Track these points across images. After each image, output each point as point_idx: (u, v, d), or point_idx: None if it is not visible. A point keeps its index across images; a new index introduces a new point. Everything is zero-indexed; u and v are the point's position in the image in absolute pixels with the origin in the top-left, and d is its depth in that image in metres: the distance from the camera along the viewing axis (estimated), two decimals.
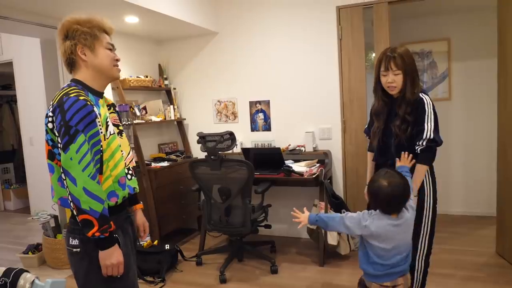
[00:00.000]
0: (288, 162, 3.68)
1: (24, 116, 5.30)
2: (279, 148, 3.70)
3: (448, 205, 4.64)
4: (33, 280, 1.40)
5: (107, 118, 1.61)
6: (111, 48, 1.65)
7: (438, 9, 4.30)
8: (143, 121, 3.95)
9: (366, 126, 2.56)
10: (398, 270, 1.85)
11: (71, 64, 1.61)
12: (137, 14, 3.33)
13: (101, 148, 1.53)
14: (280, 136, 4.14)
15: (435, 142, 2.15)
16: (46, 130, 1.53)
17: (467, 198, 4.58)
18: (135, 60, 4.24)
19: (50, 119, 1.50)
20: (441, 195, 4.63)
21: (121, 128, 1.74)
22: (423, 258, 2.31)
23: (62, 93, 1.50)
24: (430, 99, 2.20)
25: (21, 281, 1.41)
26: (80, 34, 1.56)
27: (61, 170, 1.47)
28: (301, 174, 3.41)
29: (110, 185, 1.58)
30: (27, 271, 1.46)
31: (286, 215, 4.11)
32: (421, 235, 2.27)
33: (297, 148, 3.94)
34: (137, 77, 4.04)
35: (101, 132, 1.53)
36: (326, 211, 3.38)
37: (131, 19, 3.49)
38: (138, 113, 3.99)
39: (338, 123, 3.86)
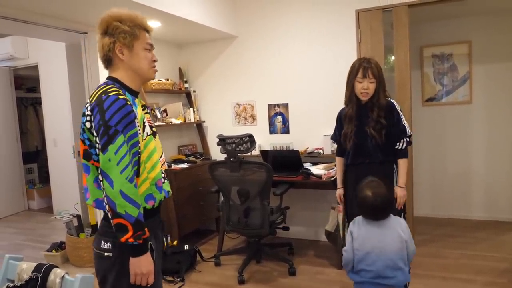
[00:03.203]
0: (306, 165, 3.70)
1: (49, 118, 5.46)
2: (297, 151, 3.72)
3: (469, 210, 4.58)
4: (63, 276, 1.45)
5: (143, 118, 1.55)
6: (150, 49, 1.59)
7: (458, 11, 4.26)
8: (164, 123, 4.03)
9: (333, 133, 2.82)
10: (384, 283, 1.85)
11: (108, 61, 1.54)
12: (160, 19, 3.41)
13: (139, 150, 1.47)
14: (298, 139, 4.16)
15: (411, 136, 2.57)
16: (83, 129, 1.47)
17: (488, 203, 4.50)
18: (157, 63, 4.32)
19: (88, 118, 1.45)
20: (462, 200, 4.60)
21: (154, 129, 1.66)
22: None
23: (101, 91, 1.44)
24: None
25: (51, 276, 1.46)
26: (120, 33, 1.49)
27: (98, 171, 1.43)
28: (319, 176, 3.43)
29: (148, 187, 1.52)
30: (56, 266, 1.51)
31: (304, 217, 4.12)
32: None
33: (315, 151, 3.96)
34: (158, 80, 4.12)
35: (139, 133, 1.47)
36: (344, 214, 3.38)
37: (154, 24, 3.57)
38: (159, 116, 4.07)
39: None
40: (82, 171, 1.54)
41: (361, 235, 1.91)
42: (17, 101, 6.13)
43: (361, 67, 2.49)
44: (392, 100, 2.57)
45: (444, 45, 4.55)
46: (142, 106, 1.62)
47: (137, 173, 1.47)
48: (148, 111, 1.67)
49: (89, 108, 1.45)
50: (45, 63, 5.28)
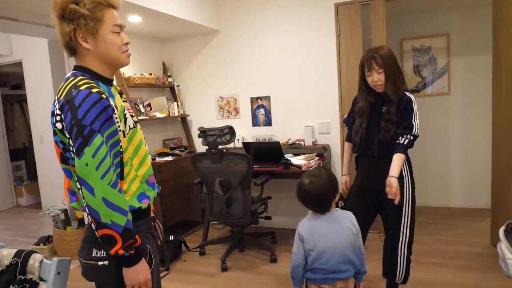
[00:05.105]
0: (288, 156, 3.78)
1: (34, 114, 5.47)
2: (278, 142, 3.81)
3: (447, 199, 4.71)
4: (42, 260, 1.52)
5: (124, 109, 1.36)
6: (119, 31, 1.37)
7: (437, 5, 4.36)
8: (148, 117, 4.09)
9: (346, 116, 2.64)
10: (339, 277, 1.85)
11: (72, 50, 1.34)
12: (140, 13, 3.46)
13: (121, 150, 1.30)
14: (280, 131, 4.25)
15: (417, 137, 2.30)
16: (54, 131, 1.29)
17: (466, 192, 4.64)
18: (139, 58, 4.37)
19: (58, 117, 1.26)
20: (441, 189, 4.75)
21: (135, 119, 1.46)
22: (406, 246, 2.38)
23: (70, 85, 1.26)
24: (414, 98, 2.32)
25: (30, 261, 1.53)
26: (79, 17, 1.27)
27: (76, 178, 1.24)
28: (299, 167, 3.52)
29: (138, 186, 1.38)
30: (36, 252, 1.58)
31: (287, 207, 4.21)
32: (402, 223, 2.36)
33: (297, 142, 4.05)
34: (141, 74, 4.17)
35: (120, 130, 1.30)
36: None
37: (134, 19, 3.62)
38: (142, 110, 4.13)
39: (337, 118, 3.96)
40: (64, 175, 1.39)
41: (313, 234, 1.85)
42: (2, 98, 6.14)
43: (365, 59, 2.29)
44: (410, 95, 2.29)
45: (424, 38, 4.65)
46: (119, 93, 1.46)
47: (121, 176, 1.32)
48: (125, 99, 1.50)
49: (57, 107, 1.26)
50: (28, 60, 5.28)
